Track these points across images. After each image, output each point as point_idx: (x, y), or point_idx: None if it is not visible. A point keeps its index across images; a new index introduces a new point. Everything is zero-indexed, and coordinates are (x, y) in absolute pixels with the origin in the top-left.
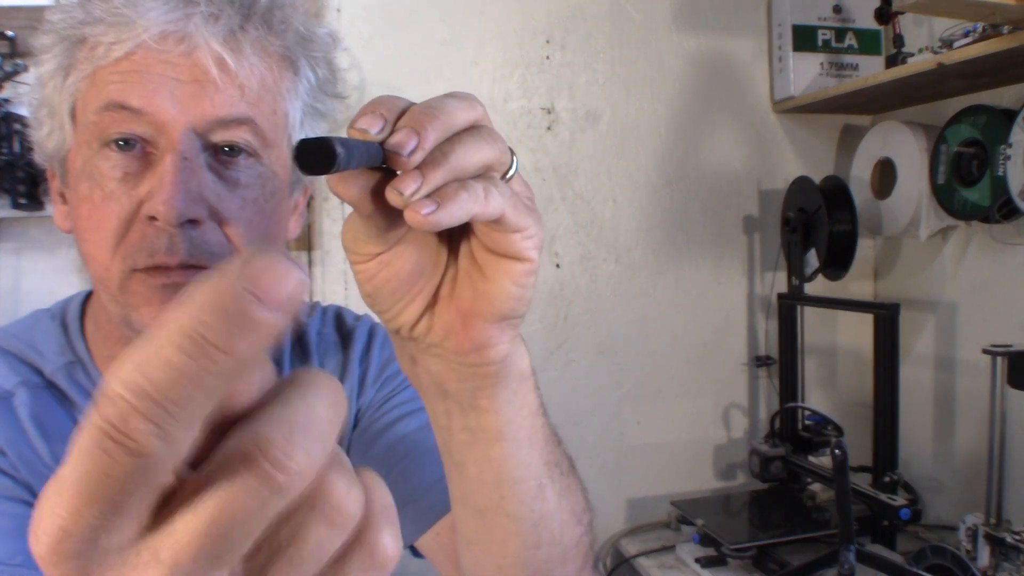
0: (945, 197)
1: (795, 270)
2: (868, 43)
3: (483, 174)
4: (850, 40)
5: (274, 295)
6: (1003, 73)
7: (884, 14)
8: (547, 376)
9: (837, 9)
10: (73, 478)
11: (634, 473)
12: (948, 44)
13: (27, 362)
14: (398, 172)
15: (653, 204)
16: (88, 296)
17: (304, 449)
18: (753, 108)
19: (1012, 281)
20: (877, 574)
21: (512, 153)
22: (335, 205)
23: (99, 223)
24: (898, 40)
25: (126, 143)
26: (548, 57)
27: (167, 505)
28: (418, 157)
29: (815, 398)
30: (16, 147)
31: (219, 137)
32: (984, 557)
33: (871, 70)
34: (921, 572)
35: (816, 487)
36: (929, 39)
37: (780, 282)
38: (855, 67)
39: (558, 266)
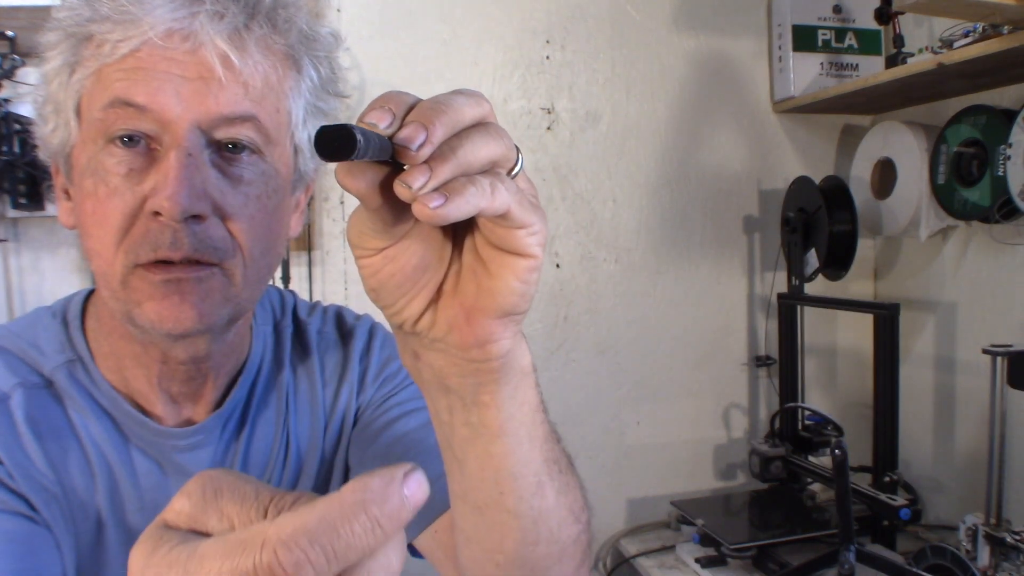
0: (945, 197)
1: (795, 270)
2: (868, 43)
3: (490, 170)
4: (850, 40)
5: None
6: (1003, 73)
7: (884, 14)
8: (547, 376)
9: (837, 9)
10: None
11: (634, 473)
12: (948, 44)
13: (27, 361)
14: (404, 167)
15: (653, 204)
16: (90, 294)
17: None
18: (753, 108)
19: (1012, 281)
20: (877, 574)
21: (518, 150)
22: (335, 205)
23: (103, 219)
24: (898, 40)
25: (131, 139)
26: (548, 57)
27: None
28: (426, 151)
29: (815, 398)
30: (16, 147)
31: (223, 134)
32: (984, 557)
33: (871, 70)
34: (921, 572)
35: (816, 487)
36: (929, 39)
37: (780, 282)
38: (855, 67)
39: (558, 266)
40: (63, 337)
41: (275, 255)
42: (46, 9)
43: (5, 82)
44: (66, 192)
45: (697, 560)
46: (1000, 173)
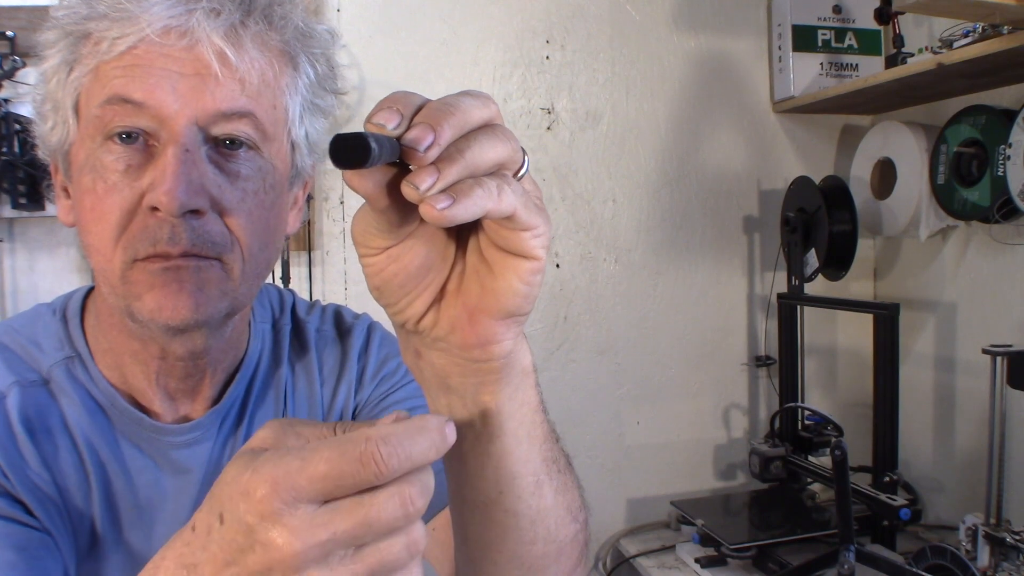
0: (945, 197)
1: (795, 270)
2: (868, 43)
3: (496, 172)
4: (850, 40)
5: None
6: (1003, 73)
7: (884, 14)
8: (547, 376)
9: (837, 9)
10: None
11: (634, 473)
12: (948, 44)
13: (26, 358)
14: (411, 167)
15: (653, 204)
16: (90, 291)
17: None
18: (753, 108)
19: (1012, 281)
20: (877, 574)
21: (524, 152)
22: (335, 205)
23: (102, 214)
24: (898, 40)
25: (129, 136)
26: (548, 57)
27: None
28: (434, 153)
29: (815, 398)
30: (16, 147)
31: (220, 130)
32: (984, 557)
33: (871, 70)
34: (921, 572)
35: (816, 487)
36: (929, 39)
37: (780, 282)
38: (855, 67)
39: (558, 266)
40: (62, 334)
41: (273, 250)
42: (46, 9)
43: (5, 82)
44: (65, 190)
45: (697, 560)
46: (1000, 173)
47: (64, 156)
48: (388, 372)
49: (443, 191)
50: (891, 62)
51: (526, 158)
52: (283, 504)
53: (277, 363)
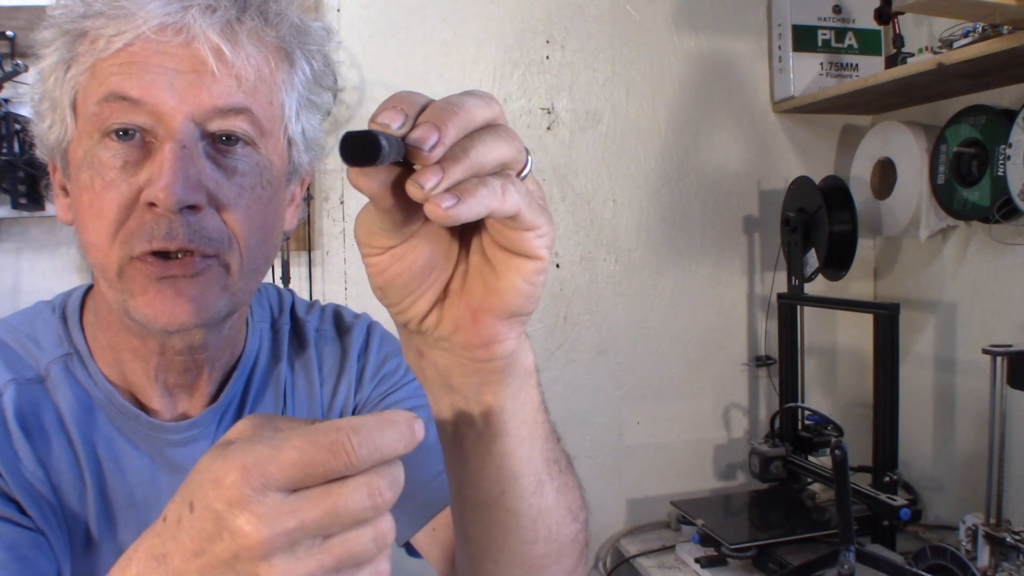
0: (945, 197)
1: (795, 270)
2: (868, 43)
3: (500, 172)
4: (850, 40)
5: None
6: (1003, 73)
7: (884, 14)
8: (547, 376)
9: (837, 9)
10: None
11: (634, 473)
12: (948, 44)
13: (24, 355)
14: (415, 167)
15: (653, 204)
16: (89, 289)
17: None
18: (753, 108)
19: (1012, 281)
20: (877, 574)
21: (527, 152)
22: (335, 205)
23: (99, 211)
24: (898, 40)
25: (126, 133)
26: (548, 57)
27: None
28: (439, 152)
29: (815, 398)
30: (16, 147)
31: (217, 126)
32: (984, 557)
33: (871, 70)
34: (921, 572)
35: (816, 487)
36: (929, 39)
37: (780, 282)
38: (855, 67)
39: (558, 266)
40: (61, 331)
41: (271, 246)
42: (45, 9)
43: (4, 82)
44: (64, 188)
45: (697, 560)
46: (1000, 173)
47: (62, 154)
48: (388, 371)
49: (448, 190)
50: (891, 62)
51: (529, 158)
52: (252, 491)
53: (276, 361)
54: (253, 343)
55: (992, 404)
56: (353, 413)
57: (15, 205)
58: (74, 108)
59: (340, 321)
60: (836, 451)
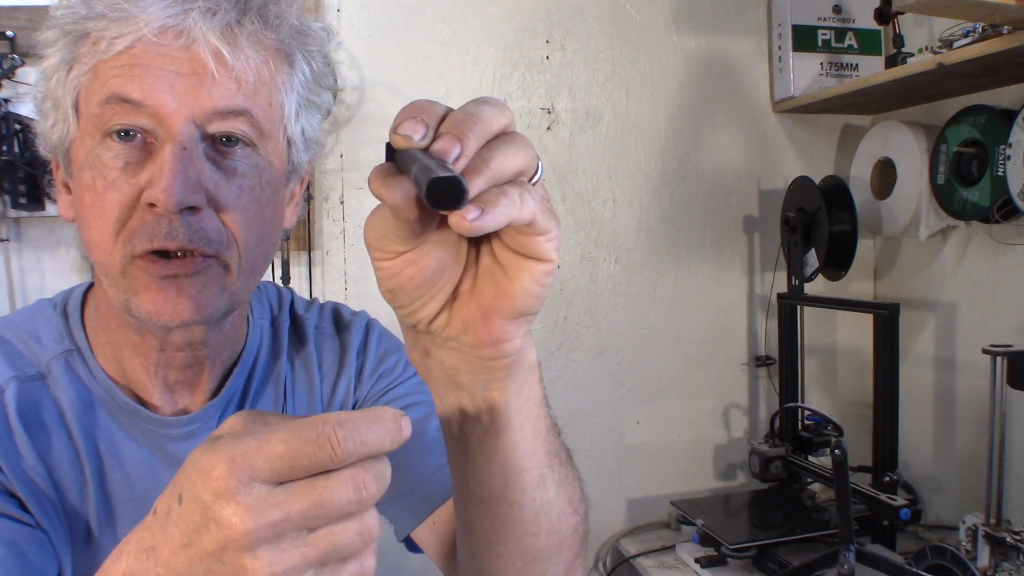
0: (945, 197)
1: (795, 270)
2: (868, 43)
3: (515, 179)
4: (850, 40)
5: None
6: (1003, 73)
7: (884, 14)
8: (547, 376)
9: (837, 9)
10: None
11: (634, 473)
12: (948, 44)
13: (26, 352)
14: None
15: (653, 204)
16: (90, 287)
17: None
18: (753, 108)
19: (1012, 281)
20: (877, 574)
21: (538, 158)
22: (335, 205)
23: (101, 210)
24: (898, 40)
25: (127, 134)
26: (548, 57)
27: None
28: (462, 164)
29: (815, 398)
30: (16, 147)
31: (217, 128)
32: (984, 557)
33: (871, 70)
34: (921, 572)
35: (816, 487)
36: (929, 39)
37: (780, 282)
38: (855, 67)
39: (558, 266)
40: (62, 328)
41: (270, 246)
42: (45, 9)
43: (5, 82)
44: (66, 186)
45: (697, 560)
46: (1000, 173)
47: (65, 153)
48: (387, 368)
49: (471, 202)
50: (891, 62)
51: (540, 164)
52: (239, 482)
53: (276, 358)
54: (254, 340)
55: (992, 404)
56: (353, 409)
57: (15, 205)
58: (76, 108)
59: (339, 318)
60: (836, 451)
